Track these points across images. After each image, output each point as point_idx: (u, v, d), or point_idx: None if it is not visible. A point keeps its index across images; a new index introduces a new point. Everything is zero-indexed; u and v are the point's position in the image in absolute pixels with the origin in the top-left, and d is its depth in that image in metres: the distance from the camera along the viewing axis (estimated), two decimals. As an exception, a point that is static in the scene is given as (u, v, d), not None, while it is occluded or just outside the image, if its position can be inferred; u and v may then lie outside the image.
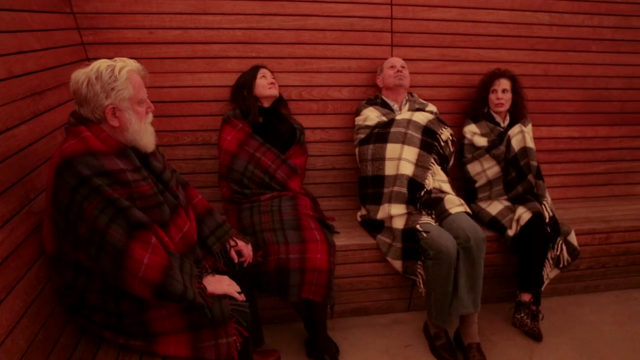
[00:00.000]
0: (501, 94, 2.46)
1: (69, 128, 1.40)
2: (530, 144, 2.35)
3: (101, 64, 1.40)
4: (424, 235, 2.04)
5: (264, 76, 2.29)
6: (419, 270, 2.12)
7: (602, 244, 2.50)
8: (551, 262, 2.27)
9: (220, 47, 2.42)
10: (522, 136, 2.37)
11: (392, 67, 2.42)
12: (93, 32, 2.28)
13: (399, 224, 2.16)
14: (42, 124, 1.68)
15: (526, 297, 2.20)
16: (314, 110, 2.60)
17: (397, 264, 2.17)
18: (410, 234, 2.10)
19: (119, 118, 1.41)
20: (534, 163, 2.33)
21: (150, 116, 1.52)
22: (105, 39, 2.31)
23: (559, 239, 2.25)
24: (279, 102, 2.38)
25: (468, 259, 2.03)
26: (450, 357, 2.06)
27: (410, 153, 2.24)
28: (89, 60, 2.26)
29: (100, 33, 2.30)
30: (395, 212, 2.17)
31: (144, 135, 1.47)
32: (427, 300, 2.13)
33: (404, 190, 2.17)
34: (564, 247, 2.27)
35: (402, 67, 2.42)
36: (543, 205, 2.27)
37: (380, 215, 2.24)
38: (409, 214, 2.16)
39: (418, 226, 2.08)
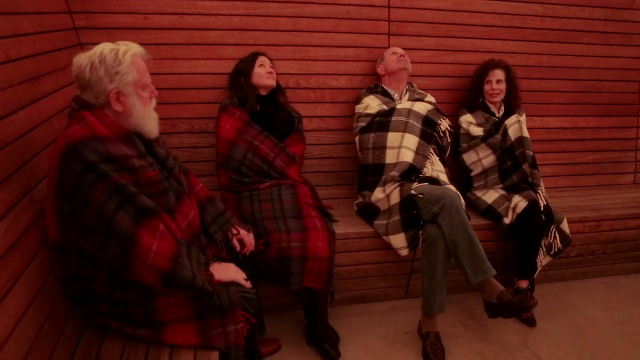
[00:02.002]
0: (495, 85, 2.48)
1: (73, 113, 1.36)
2: (526, 133, 2.40)
3: (104, 48, 1.36)
4: (420, 197, 2.04)
5: (262, 64, 2.26)
6: (422, 235, 2.07)
7: (593, 231, 2.57)
8: (544, 249, 2.32)
9: (217, 33, 2.38)
10: (518, 126, 2.41)
11: (394, 53, 2.44)
12: (85, 17, 2.22)
13: (395, 198, 2.16)
14: (40, 110, 1.64)
15: (524, 283, 2.25)
16: (311, 98, 2.59)
17: (400, 238, 2.12)
18: (407, 202, 2.09)
19: (122, 103, 1.38)
20: (530, 152, 2.38)
21: (153, 101, 1.50)
22: (98, 24, 2.25)
23: (552, 227, 2.30)
24: (277, 90, 2.35)
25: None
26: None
27: (411, 141, 2.26)
28: (82, 45, 2.22)
29: (93, 17, 2.23)
30: (390, 189, 2.18)
31: (148, 120, 1.44)
32: (461, 256, 1.95)
33: (397, 174, 2.18)
34: (557, 235, 2.32)
35: (404, 53, 2.44)
36: (538, 194, 2.31)
37: (374, 197, 2.24)
38: (401, 184, 2.16)
39: (412, 191, 2.08)
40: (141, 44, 2.24)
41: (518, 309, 1.87)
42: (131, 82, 1.36)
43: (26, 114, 1.53)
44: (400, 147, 2.24)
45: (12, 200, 1.32)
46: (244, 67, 2.26)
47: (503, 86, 2.50)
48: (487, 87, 2.52)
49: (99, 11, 2.24)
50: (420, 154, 2.26)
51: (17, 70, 1.52)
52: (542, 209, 2.26)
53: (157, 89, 2.26)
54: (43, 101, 1.68)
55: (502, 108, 2.57)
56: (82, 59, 1.35)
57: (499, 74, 2.50)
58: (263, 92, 2.28)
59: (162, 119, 2.32)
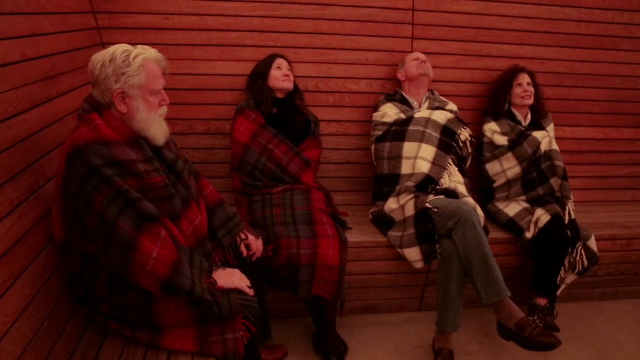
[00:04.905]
0: (527, 87, 2.40)
1: (82, 115, 1.37)
2: (556, 145, 2.34)
3: (118, 48, 1.37)
4: (435, 210, 1.97)
5: (279, 67, 2.23)
6: (439, 250, 2.00)
7: (623, 250, 2.42)
8: (567, 266, 2.20)
9: (236, 34, 2.37)
10: (548, 140, 2.36)
11: (415, 59, 2.38)
12: (108, 16, 2.25)
13: (410, 210, 2.09)
14: (54, 109, 1.66)
15: (542, 301, 2.14)
16: (330, 102, 2.54)
17: (415, 252, 2.05)
18: (422, 215, 2.02)
19: (127, 104, 1.38)
20: (560, 164, 2.30)
21: (163, 109, 1.47)
22: (121, 24, 2.27)
23: (578, 243, 2.18)
24: (294, 93, 2.32)
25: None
26: None
27: (428, 152, 2.19)
28: (104, 44, 2.25)
29: (116, 17, 2.26)
30: (404, 200, 2.11)
31: (152, 126, 1.42)
32: (474, 274, 1.88)
33: (412, 185, 2.11)
34: (583, 252, 2.20)
35: (426, 59, 2.37)
36: (567, 208, 2.21)
37: (387, 207, 2.18)
38: (416, 196, 2.09)
39: (427, 204, 2.01)
40: (161, 44, 2.31)
41: (538, 347, 1.73)
42: (137, 85, 1.35)
43: (40, 113, 1.54)
44: (416, 157, 2.17)
45: (18, 198, 1.33)
46: (261, 69, 2.24)
47: (532, 89, 2.41)
48: (518, 90, 2.41)
49: (122, 11, 2.26)
50: (437, 164, 2.18)
51: (33, 69, 1.53)
52: (566, 223, 2.15)
53: (176, 89, 2.35)
54: (58, 100, 1.70)
55: (529, 116, 2.47)
56: (97, 56, 1.37)
57: (527, 77, 2.42)
58: (280, 95, 2.26)
59: (179, 119, 2.41)
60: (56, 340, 1.36)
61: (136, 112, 1.38)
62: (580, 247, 2.19)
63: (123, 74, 1.34)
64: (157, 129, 1.43)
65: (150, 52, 1.42)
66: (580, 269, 2.19)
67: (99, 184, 1.27)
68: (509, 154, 2.38)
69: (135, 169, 1.34)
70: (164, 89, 1.48)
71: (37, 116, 1.52)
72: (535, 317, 2.14)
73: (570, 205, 2.27)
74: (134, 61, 1.36)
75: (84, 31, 2.09)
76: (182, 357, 1.38)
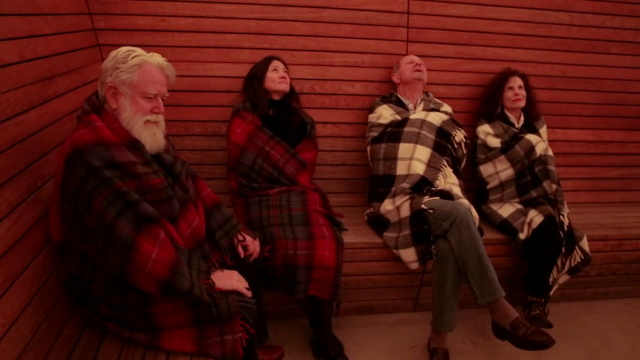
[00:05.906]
0: (518, 90, 2.44)
1: (81, 116, 1.37)
2: (550, 151, 2.37)
3: (126, 48, 1.40)
4: (430, 212, 1.99)
5: (275, 69, 2.24)
6: (434, 251, 2.01)
7: (614, 250, 2.46)
8: (559, 266, 2.23)
9: (233, 37, 2.38)
10: (545, 146, 2.39)
11: (410, 62, 2.40)
12: (105, 18, 2.25)
13: (405, 211, 2.10)
14: (51, 110, 1.65)
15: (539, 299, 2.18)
16: (326, 104, 2.56)
17: (410, 253, 2.07)
18: (417, 217, 2.04)
19: (117, 101, 1.39)
20: (553, 169, 2.33)
21: (154, 117, 1.44)
22: (117, 25, 2.27)
23: (573, 251, 2.22)
24: (290, 95, 2.34)
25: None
26: None
27: (423, 153, 2.20)
28: (100, 46, 2.25)
29: (112, 19, 2.26)
30: (400, 201, 2.13)
31: (134, 128, 1.40)
32: (469, 275, 1.89)
33: (408, 186, 2.13)
34: (578, 253, 2.23)
35: (421, 63, 2.39)
36: (562, 215, 2.25)
37: (383, 208, 2.20)
38: (411, 197, 2.11)
39: (423, 205, 2.02)
40: (158, 46, 2.32)
41: (533, 346, 1.75)
42: (127, 83, 1.37)
43: (37, 114, 1.54)
44: (411, 158, 2.19)
45: (16, 199, 1.33)
46: (257, 71, 2.25)
47: (524, 92, 2.46)
48: (509, 93, 2.45)
49: (118, 13, 2.26)
50: (432, 166, 2.20)
51: (30, 70, 1.53)
52: (558, 225, 2.18)
53: (172, 90, 2.32)
54: (56, 101, 1.70)
55: (522, 118, 2.51)
56: (111, 53, 1.41)
57: (518, 80, 2.47)
58: (276, 97, 2.27)
59: (175, 121, 2.41)
60: (54, 341, 1.36)
61: (122, 109, 1.39)
62: (577, 252, 2.22)
63: (116, 68, 1.36)
64: (140, 133, 1.41)
65: (155, 58, 1.43)
66: (570, 267, 2.22)
67: (99, 186, 1.27)
68: (502, 157, 2.41)
69: (135, 171, 1.35)
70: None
71: (34, 117, 1.52)
72: (537, 312, 2.16)
73: (565, 212, 2.29)
74: (131, 60, 1.38)
75: (80, 32, 2.08)
76: (181, 358, 1.38)
